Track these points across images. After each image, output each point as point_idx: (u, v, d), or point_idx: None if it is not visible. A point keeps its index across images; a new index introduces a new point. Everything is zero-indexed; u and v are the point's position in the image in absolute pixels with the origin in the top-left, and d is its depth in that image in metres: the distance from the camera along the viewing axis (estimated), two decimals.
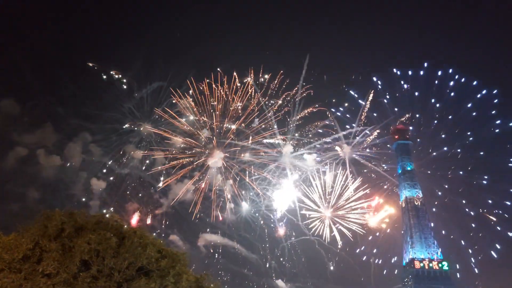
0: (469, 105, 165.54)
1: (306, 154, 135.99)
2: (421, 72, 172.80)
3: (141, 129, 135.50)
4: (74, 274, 30.78)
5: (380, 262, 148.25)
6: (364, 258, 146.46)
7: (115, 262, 31.86)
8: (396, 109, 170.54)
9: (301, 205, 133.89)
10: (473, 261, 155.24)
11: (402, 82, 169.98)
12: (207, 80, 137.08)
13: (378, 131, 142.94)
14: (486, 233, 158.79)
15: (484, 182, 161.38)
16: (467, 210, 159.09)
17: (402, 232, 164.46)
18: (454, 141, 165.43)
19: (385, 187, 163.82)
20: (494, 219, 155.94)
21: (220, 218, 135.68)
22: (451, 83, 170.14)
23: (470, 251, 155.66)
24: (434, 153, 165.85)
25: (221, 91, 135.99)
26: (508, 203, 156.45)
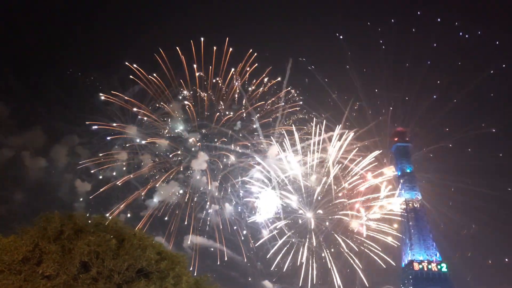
0: None
1: (290, 157, 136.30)
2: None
3: (127, 131, 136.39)
4: (74, 276, 30.83)
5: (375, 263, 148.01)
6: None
7: (115, 264, 31.91)
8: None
9: (286, 204, 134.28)
10: (471, 262, 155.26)
11: None
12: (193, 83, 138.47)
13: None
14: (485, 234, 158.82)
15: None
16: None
17: (401, 234, 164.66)
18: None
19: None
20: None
21: (206, 220, 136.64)
22: None
23: (468, 253, 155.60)
24: (431, 154, 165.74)
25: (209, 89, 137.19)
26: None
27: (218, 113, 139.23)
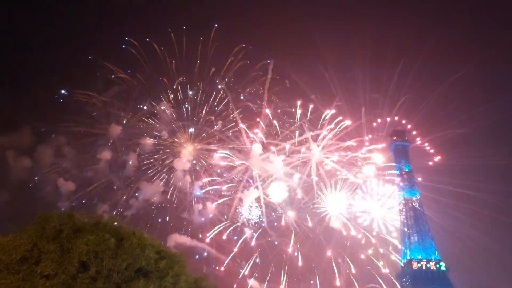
0: None
1: (272, 156, 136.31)
2: None
3: (111, 131, 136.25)
4: (73, 275, 30.72)
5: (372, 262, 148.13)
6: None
7: (114, 263, 31.80)
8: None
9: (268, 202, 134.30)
10: (470, 261, 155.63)
11: None
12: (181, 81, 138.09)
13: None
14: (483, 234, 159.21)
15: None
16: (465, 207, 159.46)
17: (400, 232, 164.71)
18: None
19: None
20: None
21: (190, 220, 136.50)
22: None
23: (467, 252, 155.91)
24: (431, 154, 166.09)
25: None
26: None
27: (201, 114, 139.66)
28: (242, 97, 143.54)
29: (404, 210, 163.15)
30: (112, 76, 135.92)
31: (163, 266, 33.87)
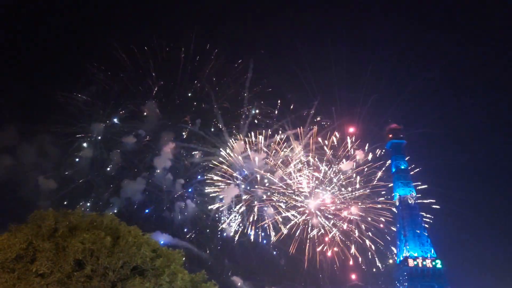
0: None
1: (252, 155, 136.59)
2: None
3: (93, 129, 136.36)
4: (68, 274, 30.61)
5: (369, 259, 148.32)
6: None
7: (110, 261, 31.69)
8: None
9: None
10: (467, 259, 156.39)
11: None
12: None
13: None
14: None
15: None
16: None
17: (396, 230, 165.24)
18: None
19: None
20: None
21: (171, 218, 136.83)
22: None
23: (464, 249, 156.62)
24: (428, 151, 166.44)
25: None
26: None
27: (185, 112, 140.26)
28: (222, 98, 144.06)
29: (400, 207, 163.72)
30: (95, 76, 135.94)
31: (159, 264, 33.75)
